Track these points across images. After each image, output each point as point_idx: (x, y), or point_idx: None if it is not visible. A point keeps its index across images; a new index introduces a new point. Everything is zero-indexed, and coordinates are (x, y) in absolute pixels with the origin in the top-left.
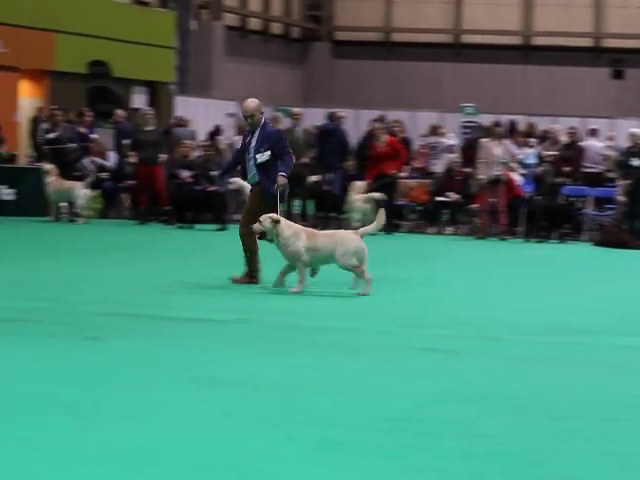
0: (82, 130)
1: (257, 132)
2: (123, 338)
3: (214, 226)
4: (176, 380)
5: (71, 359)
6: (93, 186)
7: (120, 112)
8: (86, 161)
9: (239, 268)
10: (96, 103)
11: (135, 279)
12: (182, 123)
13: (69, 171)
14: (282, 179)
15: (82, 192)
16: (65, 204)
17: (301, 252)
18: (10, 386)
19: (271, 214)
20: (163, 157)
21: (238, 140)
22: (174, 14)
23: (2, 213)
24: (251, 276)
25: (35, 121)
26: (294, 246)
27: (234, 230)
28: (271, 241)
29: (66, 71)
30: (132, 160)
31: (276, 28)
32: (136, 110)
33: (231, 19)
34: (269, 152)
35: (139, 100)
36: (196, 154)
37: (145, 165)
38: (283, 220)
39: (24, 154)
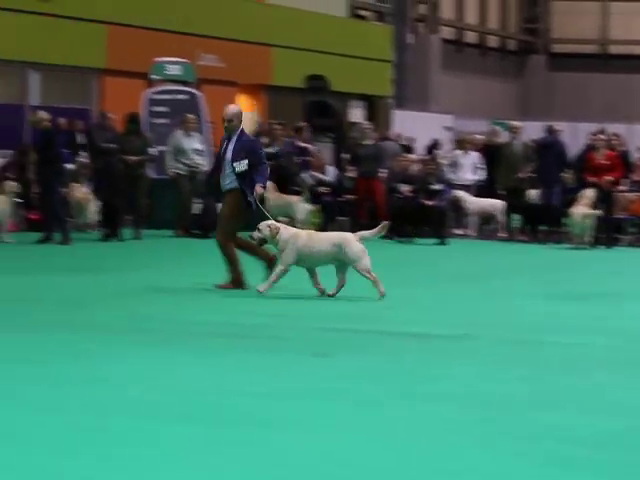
0: (301, 144)
1: (233, 139)
2: (349, 353)
3: (433, 240)
4: (402, 396)
5: (299, 374)
6: (312, 200)
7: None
8: (305, 175)
9: (452, 282)
10: (314, 117)
11: (356, 294)
12: (391, 137)
13: (288, 185)
14: (260, 189)
15: (302, 206)
16: (284, 218)
17: (290, 259)
18: (239, 401)
19: (269, 222)
20: (382, 171)
21: (457, 154)
22: (391, 28)
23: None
24: (236, 282)
25: (255, 136)
26: (287, 250)
27: (454, 245)
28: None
29: (283, 85)
30: (351, 174)
31: (492, 41)
32: (354, 124)
33: (447, 32)
34: (246, 161)
35: (357, 114)
36: (415, 168)
37: (364, 179)
38: (281, 226)
39: None
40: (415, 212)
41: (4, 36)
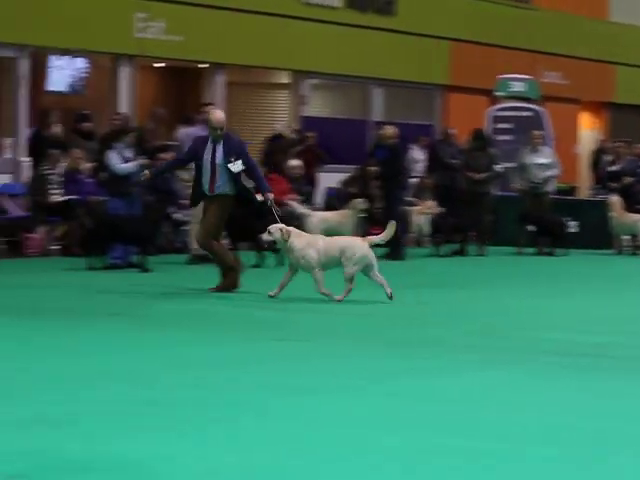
0: None
1: (220, 143)
2: None
3: None
4: None
5: None
6: None
7: None
8: None
9: None
10: None
11: None
12: None
13: (633, 204)
14: (271, 195)
15: None
16: (627, 237)
17: (314, 262)
18: (587, 423)
19: (280, 225)
20: None
21: None
22: None
23: (566, 245)
24: (229, 284)
25: (597, 153)
26: (308, 256)
27: None
28: (278, 250)
29: (626, 103)
30: None
31: None
32: None
33: None
34: (240, 161)
35: None
36: None
37: None
38: (293, 230)
39: (585, 186)
40: None
41: (348, 52)
